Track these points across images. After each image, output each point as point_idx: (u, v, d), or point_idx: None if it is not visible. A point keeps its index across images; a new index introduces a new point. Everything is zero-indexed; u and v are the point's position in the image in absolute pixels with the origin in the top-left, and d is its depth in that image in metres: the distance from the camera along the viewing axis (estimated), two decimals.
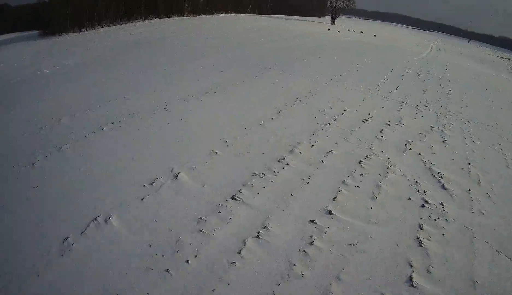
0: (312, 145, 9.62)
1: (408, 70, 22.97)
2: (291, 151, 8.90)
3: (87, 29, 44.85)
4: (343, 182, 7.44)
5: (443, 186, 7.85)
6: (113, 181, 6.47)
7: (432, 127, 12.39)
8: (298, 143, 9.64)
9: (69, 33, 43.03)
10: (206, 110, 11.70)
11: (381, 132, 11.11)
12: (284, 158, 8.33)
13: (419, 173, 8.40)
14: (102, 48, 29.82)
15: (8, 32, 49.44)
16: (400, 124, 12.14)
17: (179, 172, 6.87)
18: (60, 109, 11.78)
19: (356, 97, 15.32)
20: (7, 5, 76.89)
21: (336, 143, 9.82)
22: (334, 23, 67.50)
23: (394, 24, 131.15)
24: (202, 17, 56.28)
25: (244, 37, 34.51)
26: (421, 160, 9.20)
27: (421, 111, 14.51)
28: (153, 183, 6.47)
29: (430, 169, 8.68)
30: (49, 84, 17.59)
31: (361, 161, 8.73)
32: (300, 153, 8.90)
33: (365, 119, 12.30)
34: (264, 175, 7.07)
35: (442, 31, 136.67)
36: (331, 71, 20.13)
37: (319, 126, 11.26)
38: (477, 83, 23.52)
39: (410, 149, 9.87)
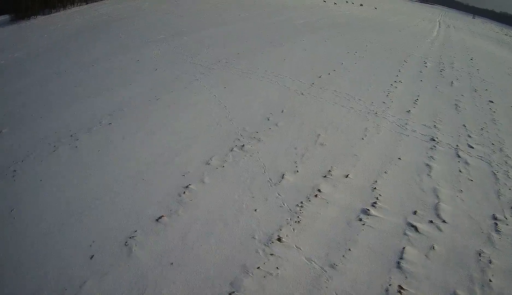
0: None
1: (425, 62, 15.34)
2: None
3: (58, 10, 36.66)
4: None
5: None
6: None
7: (495, 219, 5.33)
8: None
9: (38, 16, 35.11)
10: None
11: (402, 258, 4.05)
12: None
13: None
14: (59, 34, 22.07)
15: None
16: (442, 221, 5.11)
17: None
18: None
19: (350, 131, 8.07)
20: None
21: None
22: None
23: None
24: None
25: (212, 13, 26.32)
26: None
27: (467, 163, 7.46)
28: None
29: None
30: None
31: None
32: None
33: (366, 210, 5.27)
34: None
35: (443, 4, 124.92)
36: (315, 66, 12.59)
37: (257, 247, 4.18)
38: None
39: None
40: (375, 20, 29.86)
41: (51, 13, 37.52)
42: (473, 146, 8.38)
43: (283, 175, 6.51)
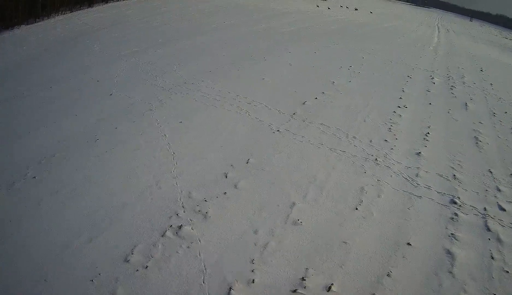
0: None
1: (432, 77, 12.77)
2: None
3: (43, 19, 34.20)
4: None
5: None
6: None
7: None
8: None
9: (22, 26, 32.66)
10: None
11: None
12: None
13: None
14: (36, 46, 19.59)
15: None
16: None
17: None
18: None
19: (340, 194, 5.54)
20: None
21: None
22: None
23: None
24: None
25: (196, 19, 23.80)
26: None
27: (500, 241, 5.23)
28: None
29: None
30: None
31: None
32: None
33: None
34: None
35: (438, 8, 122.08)
36: (299, 87, 10.05)
37: None
38: None
39: None
40: (371, 26, 27.30)
41: (35, 22, 34.93)
42: (505, 207, 5.82)
43: (230, 289, 3.94)
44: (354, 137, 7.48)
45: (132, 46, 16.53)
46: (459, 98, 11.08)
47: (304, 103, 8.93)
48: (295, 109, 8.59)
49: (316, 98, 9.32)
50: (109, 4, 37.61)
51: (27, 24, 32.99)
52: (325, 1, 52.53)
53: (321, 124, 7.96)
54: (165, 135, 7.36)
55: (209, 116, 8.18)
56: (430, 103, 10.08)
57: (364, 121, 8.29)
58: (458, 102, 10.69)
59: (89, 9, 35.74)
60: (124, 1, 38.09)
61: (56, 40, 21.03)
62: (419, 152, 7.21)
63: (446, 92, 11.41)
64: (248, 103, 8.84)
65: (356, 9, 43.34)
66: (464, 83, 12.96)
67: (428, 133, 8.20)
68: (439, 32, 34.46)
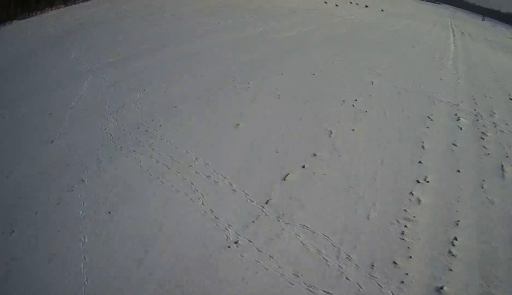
0: None
1: (458, 117, 9.79)
2: None
3: (36, 13, 30.98)
4: None
5: None
6: None
7: None
8: None
9: (14, 21, 29.60)
10: None
11: None
12: None
13: None
14: (21, 48, 16.95)
15: None
16: None
17: None
18: None
19: None
20: None
21: None
22: None
23: None
24: None
25: (190, 20, 20.75)
26: None
27: None
28: None
29: None
30: None
31: None
32: None
33: None
34: None
35: (449, 4, 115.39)
36: (284, 141, 7.21)
37: None
38: None
39: None
40: (382, 28, 23.86)
41: (29, 17, 31.85)
42: None
43: None
44: (349, 258, 4.70)
45: (110, 54, 13.77)
46: (493, 156, 8.13)
47: (285, 178, 6.09)
48: (271, 191, 5.78)
49: (303, 166, 6.45)
50: None
51: (19, 20, 29.98)
52: None
53: (304, 226, 5.17)
54: (84, 240, 4.66)
55: (147, 202, 5.45)
56: (458, 170, 7.17)
57: (368, 217, 5.46)
58: (492, 164, 7.75)
59: (84, 3, 32.62)
60: None
61: (42, 41, 18.24)
62: (441, 287, 4.43)
63: (476, 145, 8.45)
64: (207, 177, 6.03)
65: (366, 6, 39.47)
66: (495, 124, 9.94)
67: (456, 238, 5.37)
68: (454, 35, 30.76)
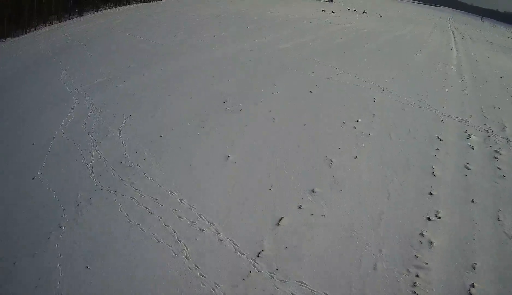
0: None
1: (468, 135, 9.01)
2: None
3: (30, 30, 30.83)
4: None
5: None
6: None
7: None
8: None
9: (7, 38, 29.43)
10: None
11: None
12: None
13: None
14: (11, 67, 16.62)
15: None
16: None
17: None
18: None
19: None
20: None
21: None
22: (332, 1, 50.30)
23: None
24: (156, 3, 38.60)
25: (182, 34, 20.26)
26: None
27: None
28: None
29: None
30: None
31: None
32: None
33: None
34: None
35: (446, 5, 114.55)
36: (279, 173, 6.58)
37: None
38: None
39: None
40: (382, 35, 23.20)
41: (22, 34, 31.57)
42: None
43: None
44: None
45: (99, 73, 13.28)
46: (508, 178, 7.34)
47: (279, 223, 5.35)
48: (263, 240, 5.04)
49: (300, 206, 5.71)
50: (99, 13, 34.06)
51: (13, 37, 29.69)
52: (332, 2, 47.93)
53: (301, 283, 4.42)
54: None
55: (126, 257, 4.76)
56: (472, 200, 6.39)
57: (374, 268, 4.70)
58: (508, 189, 6.96)
59: (78, 18, 32.33)
60: (114, 8, 34.44)
61: (34, 59, 17.79)
62: None
63: (490, 167, 7.66)
64: (192, 223, 5.32)
65: (364, 12, 38.92)
66: (507, 141, 9.15)
67: (473, 285, 4.61)
68: (455, 39, 30.03)
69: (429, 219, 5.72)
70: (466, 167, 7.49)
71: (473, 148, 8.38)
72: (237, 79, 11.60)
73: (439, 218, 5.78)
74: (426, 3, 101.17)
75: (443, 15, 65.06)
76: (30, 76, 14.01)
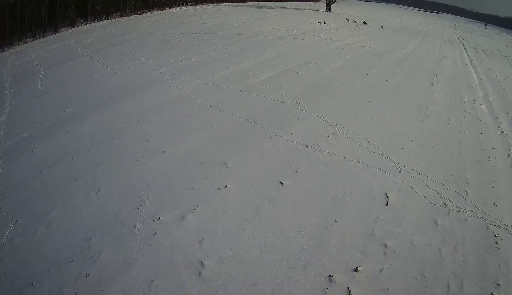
0: None
1: None
2: None
3: (3, 48, 27.00)
4: None
5: None
6: None
7: None
8: None
9: None
10: None
11: None
12: None
13: None
14: None
15: None
16: None
17: None
18: None
19: None
20: None
21: None
22: (329, 10, 45.67)
23: (396, 5, 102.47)
24: (149, 14, 34.21)
25: (150, 58, 15.94)
26: None
27: None
28: None
29: None
30: None
31: None
32: None
33: None
34: None
35: (447, 12, 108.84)
36: None
37: None
38: None
39: None
40: (387, 56, 18.64)
41: (3, 51, 27.63)
42: None
43: None
44: None
45: (30, 122, 8.99)
46: None
47: None
48: None
49: None
50: (74, 29, 29.56)
51: None
52: (329, 12, 43.33)
53: None
54: None
55: None
56: None
57: None
58: None
59: (52, 36, 28.11)
60: (89, 24, 30.09)
61: None
62: None
63: None
64: None
65: (365, 23, 34.29)
66: None
67: None
68: (468, 54, 25.32)
69: None
70: None
71: None
72: (216, 142, 7.17)
73: None
74: (426, 10, 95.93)
75: (446, 23, 60.15)
76: None
